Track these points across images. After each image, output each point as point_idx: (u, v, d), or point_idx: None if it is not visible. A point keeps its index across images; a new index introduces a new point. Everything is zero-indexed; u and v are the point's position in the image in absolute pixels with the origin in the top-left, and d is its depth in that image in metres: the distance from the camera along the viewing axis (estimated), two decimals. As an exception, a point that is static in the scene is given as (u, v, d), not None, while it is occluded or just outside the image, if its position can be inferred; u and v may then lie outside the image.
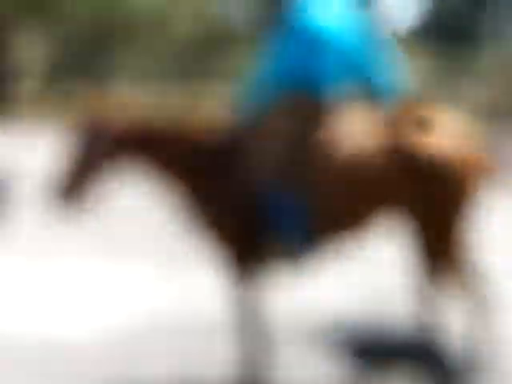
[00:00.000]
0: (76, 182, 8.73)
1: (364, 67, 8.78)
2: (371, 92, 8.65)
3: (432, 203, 8.67)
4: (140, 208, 14.82)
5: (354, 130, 8.68)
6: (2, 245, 15.83)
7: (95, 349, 10.33)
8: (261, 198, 8.65)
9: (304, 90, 8.72)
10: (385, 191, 8.67)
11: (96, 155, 8.67)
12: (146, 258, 14.51)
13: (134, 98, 8.77)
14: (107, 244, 15.69)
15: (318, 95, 8.75)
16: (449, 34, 63.40)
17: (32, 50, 53.97)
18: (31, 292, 12.76)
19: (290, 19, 8.71)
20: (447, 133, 8.67)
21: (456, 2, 63.57)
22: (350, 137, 8.64)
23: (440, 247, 8.79)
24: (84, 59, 58.23)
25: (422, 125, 8.38)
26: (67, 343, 10.47)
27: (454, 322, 9.18)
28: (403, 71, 8.70)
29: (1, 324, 11.43)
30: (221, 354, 9.41)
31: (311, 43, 8.70)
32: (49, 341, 10.64)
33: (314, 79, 8.74)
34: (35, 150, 23.29)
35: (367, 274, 12.78)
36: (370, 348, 7.94)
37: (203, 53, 67.15)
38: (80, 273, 13.76)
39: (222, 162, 8.66)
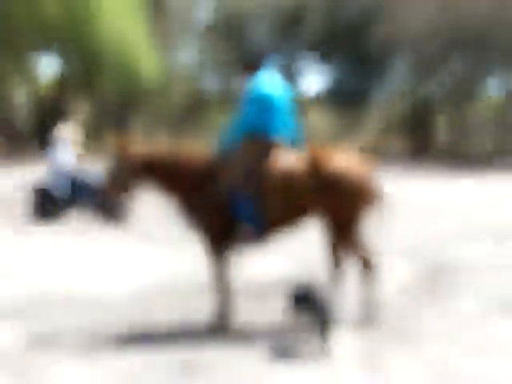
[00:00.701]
0: (114, 191, 9.24)
1: (288, 122, 9.45)
2: (290, 137, 9.25)
3: (336, 205, 9.11)
4: (155, 209, 14.85)
5: (287, 160, 9.05)
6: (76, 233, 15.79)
7: (126, 301, 10.47)
8: (232, 200, 8.83)
9: (259, 135, 9.26)
10: (306, 199, 9.09)
11: (124, 175, 9.08)
12: (162, 242, 14.50)
13: (146, 141, 9.12)
14: (138, 233, 15.63)
15: (267, 139, 9.26)
16: (346, 96, 62.75)
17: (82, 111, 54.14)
18: (87, 264, 12.66)
19: (250, 91, 9.24)
20: (346, 161, 9.06)
21: (350, 74, 63.06)
22: (285, 164, 9.04)
23: (342, 235, 9.20)
24: (114, 117, 57.91)
25: (328, 156, 8.66)
26: (107, 298, 10.61)
27: (351, 279, 9.20)
28: (302, 124, 9.15)
29: (69, 284, 11.42)
30: (206, 305, 9.29)
31: (263, 106, 9.26)
32: (98, 295, 10.78)
33: (265, 129, 9.31)
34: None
35: (299, 250, 12.72)
36: (303, 298, 7.93)
37: (192, 113, 66.54)
38: (119, 251, 13.69)
39: (205, 180, 9.02)
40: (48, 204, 17.69)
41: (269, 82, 9.41)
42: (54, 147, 18.20)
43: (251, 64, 9.44)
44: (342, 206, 9.05)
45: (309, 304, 8.07)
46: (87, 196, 17.13)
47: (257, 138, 9.20)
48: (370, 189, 9.22)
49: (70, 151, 17.78)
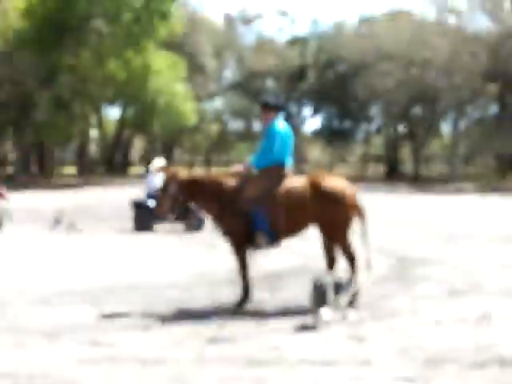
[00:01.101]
0: (165, 205, 9.29)
1: (291, 153, 9.38)
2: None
3: (328, 215, 9.12)
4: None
5: (293, 181, 9.11)
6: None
7: (173, 288, 10.54)
8: (251, 213, 8.79)
9: (276, 162, 9.15)
10: (307, 211, 9.11)
11: (173, 194, 9.11)
12: (200, 244, 14.41)
13: (187, 168, 9.20)
14: (182, 239, 15.63)
15: (281, 165, 9.18)
16: (335, 134, 62.65)
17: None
18: (139, 258, 12.67)
19: (270, 128, 9.26)
20: (336, 182, 9.13)
21: (338, 117, 63.13)
22: (291, 185, 9.09)
23: (333, 237, 9.23)
24: (162, 150, 58.19)
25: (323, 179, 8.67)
26: (159, 285, 10.66)
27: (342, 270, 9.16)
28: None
29: (132, 275, 11.48)
30: (232, 291, 9.27)
31: (279, 140, 9.21)
32: (152, 284, 10.85)
33: (281, 157, 9.25)
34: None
35: (302, 247, 12.65)
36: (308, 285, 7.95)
37: (219, 147, 66.69)
38: (171, 251, 13.66)
39: (232, 197, 8.85)
40: (144, 215, 17.75)
41: (283, 123, 9.44)
42: (149, 174, 18.69)
43: (274, 107, 9.38)
44: (332, 216, 9.07)
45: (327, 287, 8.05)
46: None
47: (274, 165, 9.23)
48: (354, 203, 9.25)
49: (160, 177, 17.90)
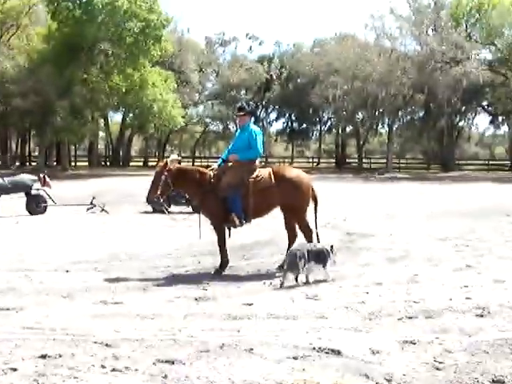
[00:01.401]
0: (155, 192, 9.06)
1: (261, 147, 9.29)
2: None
3: (289, 199, 9.11)
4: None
5: (261, 172, 9.12)
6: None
7: (166, 257, 10.56)
8: (227, 198, 8.75)
9: (253, 156, 9.20)
10: (273, 196, 9.09)
11: (163, 180, 8.91)
12: (186, 222, 14.34)
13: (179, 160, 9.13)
14: (171, 219, 15.44)
15: (255, 158, 9.23)
16: (295, 134, 62.64)
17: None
18: (141, 233, 12.61)
19: (247, 129, 9.24)
20: (295, 172, 9.33)
21: (298, 119, 63.13)
22: (260, 174, 9.06)
23: (293, 216, 9.31)
24: (156, 147, 57.86)
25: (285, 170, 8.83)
26: (155, 255, 10.62)
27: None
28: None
29: (129, 247, 11.32)
30: (214, 260, 9.28)
31: (255, 138, 9.13)
32: (149, 254, 10.77)
33: (257, 152, 9.22)
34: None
35: (269, 224, 12.59)
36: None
37: (203, 144, 66.40)
38: (164, 227, 13.59)
39: (212, 184, 8.75)
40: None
41: (254, 125, 9.45)
42: None
43: (248, 112, 9.34)
44: (292, 199, 9.08)
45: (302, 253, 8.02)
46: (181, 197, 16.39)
47: (246, 159, 9.17)
48: (309, 189, 9.27)
49: None
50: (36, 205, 16.91)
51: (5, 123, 49.71)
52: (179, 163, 10.21)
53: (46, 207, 17.12)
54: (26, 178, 17.48)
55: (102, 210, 17.34)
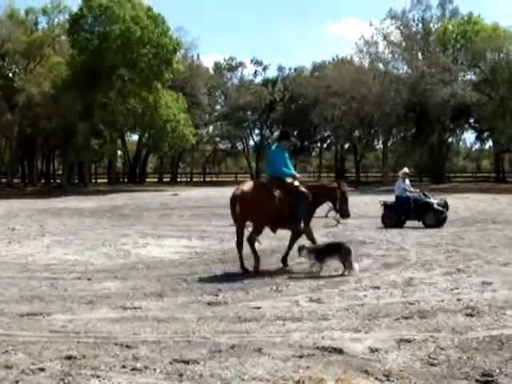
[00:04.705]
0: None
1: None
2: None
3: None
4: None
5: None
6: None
7: (178, 263, 10.41)
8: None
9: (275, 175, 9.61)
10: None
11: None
12: (198, 234, 14.25)
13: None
14: (185, 231, 15.39)
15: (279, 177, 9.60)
16: (299, 150, 62.60)
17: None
18: (155, 243, 12.56)
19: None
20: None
21: (300, 137, 63.19)
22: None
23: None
24: (170, 165, 57.99)
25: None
26: (165, 264, 10.37)
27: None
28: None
29: (146, 254, 11.17)
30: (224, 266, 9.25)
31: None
32: (161, 262, 10.64)
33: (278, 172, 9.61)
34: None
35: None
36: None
37: (213, 161, 66.12)
38: (173, 240, 13.54)
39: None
40: (393, 214, 16.49)
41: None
42: (398, 179, 17.26)
43: (286, 136, 10.14)
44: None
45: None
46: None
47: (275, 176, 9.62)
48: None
49: (406, 182, 16.86)
50: None
51: (32, 144, 50.13)
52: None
53: None
54: None
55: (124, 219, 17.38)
